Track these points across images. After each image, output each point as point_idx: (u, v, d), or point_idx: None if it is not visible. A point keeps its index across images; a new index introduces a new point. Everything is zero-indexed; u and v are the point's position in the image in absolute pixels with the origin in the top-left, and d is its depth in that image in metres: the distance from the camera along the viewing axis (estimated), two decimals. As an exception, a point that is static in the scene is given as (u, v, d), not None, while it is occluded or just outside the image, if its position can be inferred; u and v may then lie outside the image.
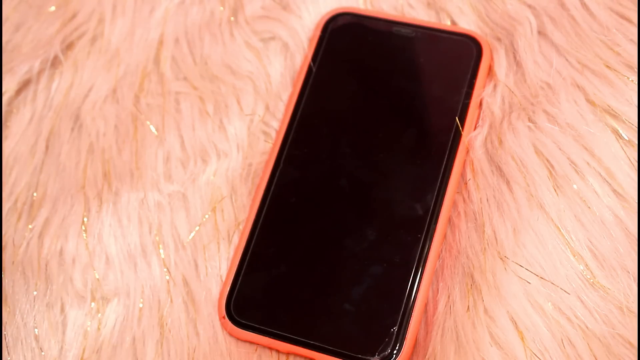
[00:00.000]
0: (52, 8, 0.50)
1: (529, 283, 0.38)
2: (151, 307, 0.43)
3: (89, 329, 0.42)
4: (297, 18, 0.48)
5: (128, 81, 0.48)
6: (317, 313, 0.41)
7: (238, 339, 0.41)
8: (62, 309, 0.43)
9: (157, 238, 0.44)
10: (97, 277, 0.43)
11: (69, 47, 0.49)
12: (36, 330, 0.42)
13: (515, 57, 0.44)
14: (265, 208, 0.43)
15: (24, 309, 0.43)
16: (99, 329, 0.42)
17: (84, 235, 0.44)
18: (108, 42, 0.49)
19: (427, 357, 0.39)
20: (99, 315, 0.42)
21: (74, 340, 0.42)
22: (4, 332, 0.42)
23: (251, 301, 0.41)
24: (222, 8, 0.49)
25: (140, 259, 0.44)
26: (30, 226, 0.45)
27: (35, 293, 0.43)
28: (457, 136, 0.43)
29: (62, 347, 0.42)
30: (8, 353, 0.42)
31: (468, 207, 0.42)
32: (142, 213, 0.45)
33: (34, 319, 0.42)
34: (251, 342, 0.41)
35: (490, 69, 0.45)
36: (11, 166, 0.47)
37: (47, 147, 0.47)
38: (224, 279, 0.42)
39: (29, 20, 0.50)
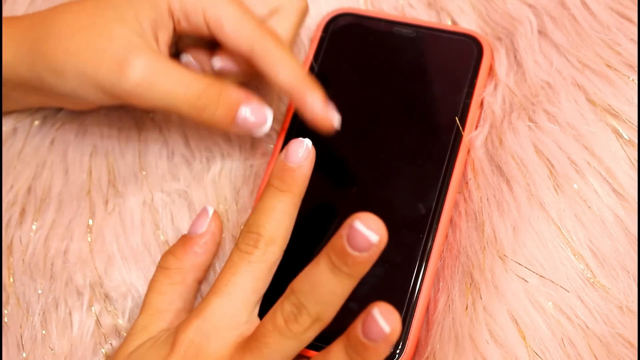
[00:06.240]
0: None
1: (527, 282, 0.38)
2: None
3: (94, 326, 0.43)
4: (299, 19, 0.48)
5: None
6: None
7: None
8: (67, 308, 0.43)
9: (162, 237, 0.44)
10: (102, 275, 0.44)
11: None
12: (44, 331, 0.43)
13: (515, 57, 0.44)
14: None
15: (34, 310, 0.43)
16: (101, 326, 0.43)
17: (89, 237, 0.45)
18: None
19: (426, 355, 0.39)
20: (105, 313, 0.43)
21: (83, 339, 0.42)
22: (19, 332, 0.43)
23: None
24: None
25: (145, 258, 0.44)
26: (34, 226, 0.45)
27: (39, 292, 0.43)
28: (459, 136, 0.43)
29: (71, 346, 0.42)
30: (24, 349, 0.42)
31: (468, 207, 0.42)
32: (146, 212, 0.45)
33: (44, 319, 0.43)
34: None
35: (491, 69, 0.45)
36: (15, 167, 0.47)
37: (51, 149, 0.47)
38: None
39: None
